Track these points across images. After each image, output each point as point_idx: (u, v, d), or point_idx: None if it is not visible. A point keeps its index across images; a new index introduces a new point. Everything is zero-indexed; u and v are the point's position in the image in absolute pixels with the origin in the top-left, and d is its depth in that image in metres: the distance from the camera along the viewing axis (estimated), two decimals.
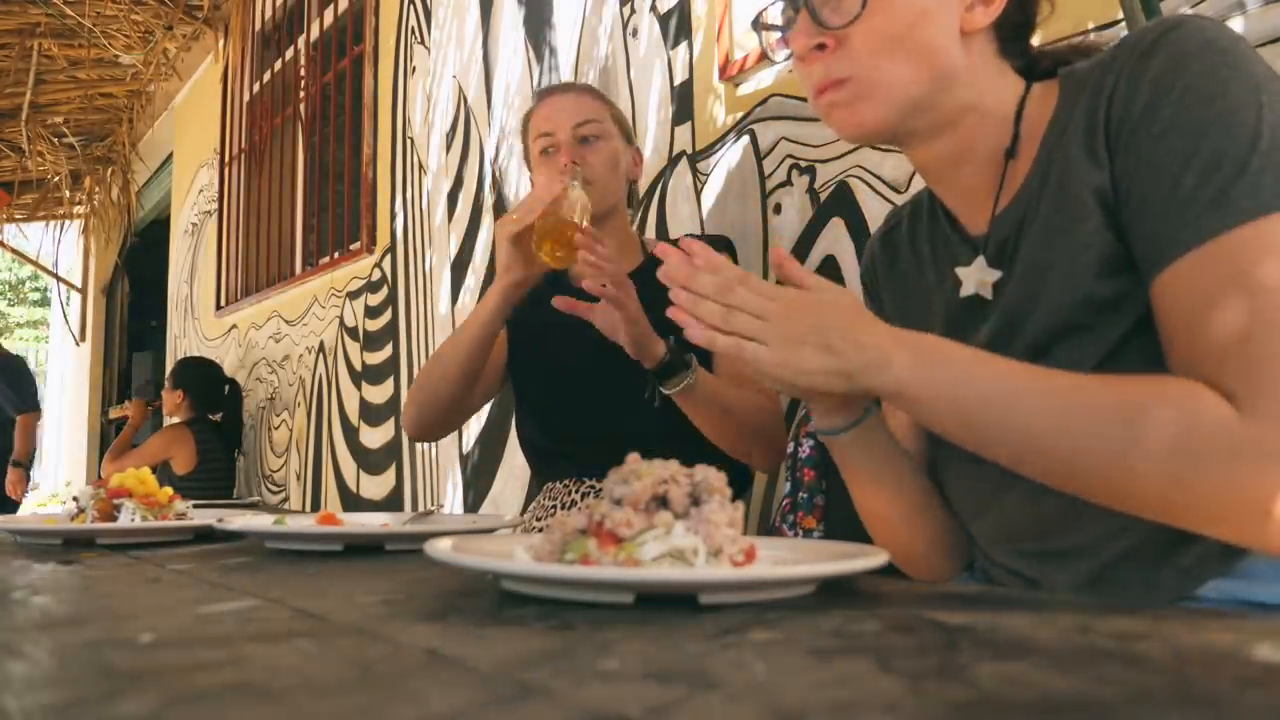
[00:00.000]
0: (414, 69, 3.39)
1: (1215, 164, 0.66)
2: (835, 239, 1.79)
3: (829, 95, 0.80)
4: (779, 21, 0.85)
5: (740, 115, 2.01)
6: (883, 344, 0.70)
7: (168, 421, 4.05)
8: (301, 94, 4.33)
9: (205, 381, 4.08)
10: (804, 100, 1.85)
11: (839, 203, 1.78)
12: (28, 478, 4.67)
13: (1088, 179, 0.73)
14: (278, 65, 4.63)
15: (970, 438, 0.70)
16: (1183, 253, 0.67)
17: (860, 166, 1.74)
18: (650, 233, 2.24)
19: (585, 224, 1.25)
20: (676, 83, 2.20)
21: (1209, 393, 0.64)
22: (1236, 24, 1.21)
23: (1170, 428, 0.63)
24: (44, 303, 16.41)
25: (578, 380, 1.54)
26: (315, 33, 4.21)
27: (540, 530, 1.32)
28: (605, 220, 1.52)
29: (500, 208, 2.85)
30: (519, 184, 2.77)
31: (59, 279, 7.90)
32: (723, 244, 1.62)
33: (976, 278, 0.82)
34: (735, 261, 1.53)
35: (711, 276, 0.73)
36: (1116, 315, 0.72)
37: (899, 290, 0.95)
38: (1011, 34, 0.82)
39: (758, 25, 0.87)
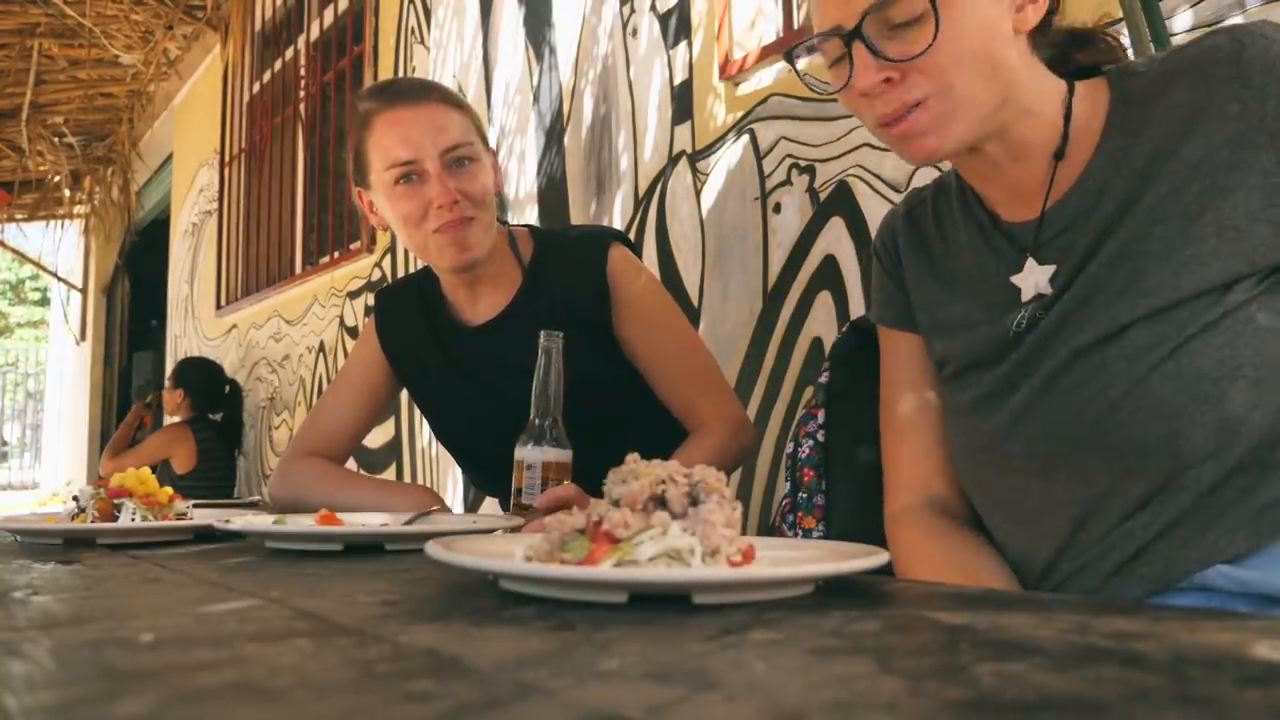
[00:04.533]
0: (414, 69, 3.39)
1: None
2: (835, 238, 1.79)
3: (904, 125, 0.78)
4: (817, 54, 0.84)
5: (740, 114, 2.01)
6: None
7: (168, 421, 4.05)
8: (301, 94, 4.33)
9: (206, 381, 4.08)
10: (804, 100, 1.86)
11: (838, 202, 1.78)
12: None
13: (1219, 178, 0.74)
14: (278, 65, 4.63)
15: None
16: None
17: (860, 166, 1.74)
18: (650, 234, 2.24)
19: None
20: (676, 82, 2.20)
21: None
22: (1235, 22, 1.21)
23: None
24: (44, 302, 16.42)
25: (498, 431, 1.37)
26: (315, 33, 4.21)
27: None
28: (488, 262, 1.33)
29: (500, 207, 2.85)
30: (519, 183, 2.77)
31: (59, 279, 7.90)
32: (612, 236, 1.41)
33: (1033, 280, 0.83)
34: (631, 247, 1.41)
35: None
36: (1209, 310, 0.74)
37: (922, 268, 0.95)
38: (1045, 33, 0.82)
39: (792, 58, 0.86)
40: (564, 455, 1.12)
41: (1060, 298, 0.81)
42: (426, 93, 1.32)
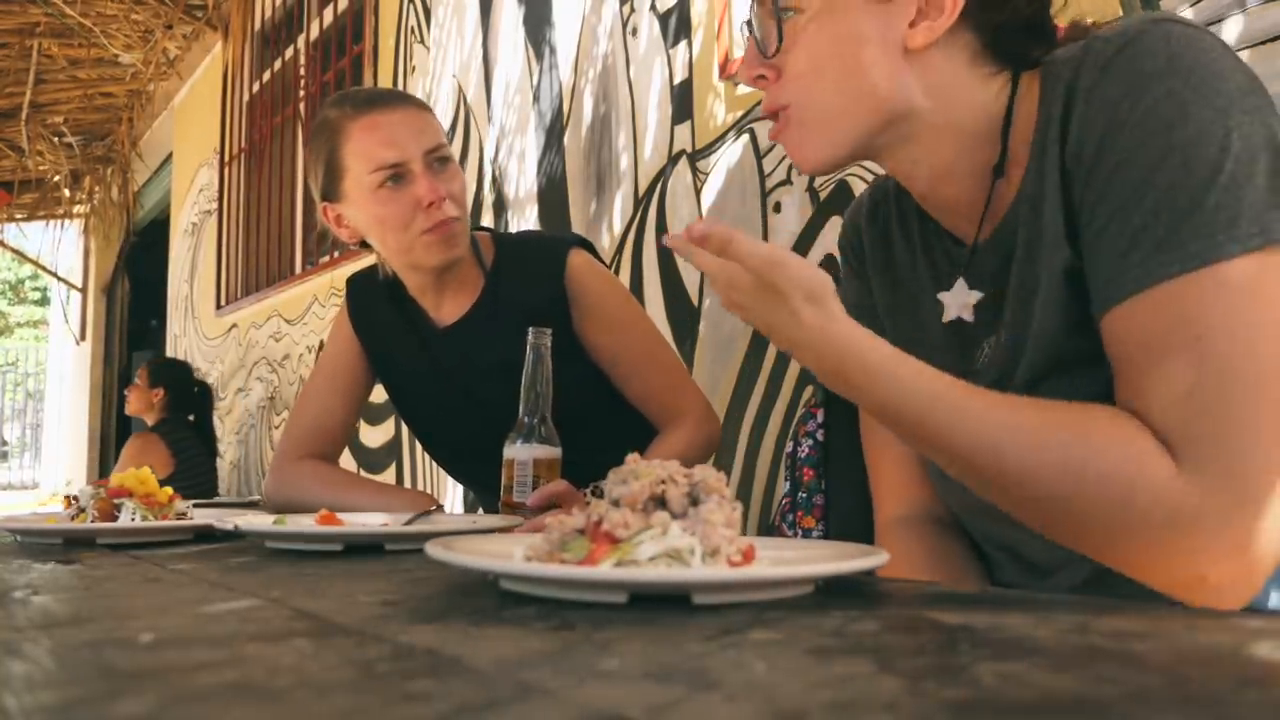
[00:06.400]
0: (414, 68, 3.39)
1: (1167, 201, 0.63)
2: (834, 238, 1.79)
3: (775, 125, 0.79)
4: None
5: (740, 114, 2.01)
6: (808, 349, 0.68)
7: (151, 423, 3.96)
8: (301, 93, 4.33)
9: (182, 382, 4.01)
10: None
11: (838, 201, 1.78)
12: None
13: (1054, 202, 0.70)
14: (278, 65, 4.63)
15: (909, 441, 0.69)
16: (1128, 295, 0.64)
17: (860, 165, 1.74)
18: (650, 234, 2.24)
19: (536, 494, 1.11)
20: (676, 81, 2.20)
21: (1152, 443, 0.62)
22: (1236, 22, 1.21)
23: (1114, 479, 0.62)
24: (44, 302, 16.42)
25: (469, 429, 1.42)
26: (315, 32, 4.21)
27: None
28: (458, 264, 1.36)
29: (499, 206, 2.85)
30: (519, 183, 2.77)
31: (59, 279, 7.90)
32: (572, 242, 1.43)
33: (958, 301, 0.80)
34: (593, 252, 1.44)
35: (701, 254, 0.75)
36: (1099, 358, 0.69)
37: (888, 276, 0.91)
38: (996, 36, 0.74)
39: (745, 35, 0.85)
40: (553, 452, 1.13)
41: (1019, 350, 0.76)
42: (401, 97, 1.34)
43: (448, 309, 1.41)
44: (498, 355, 1.32)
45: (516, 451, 1.12)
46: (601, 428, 1.27)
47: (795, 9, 0.75)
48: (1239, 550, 0.60)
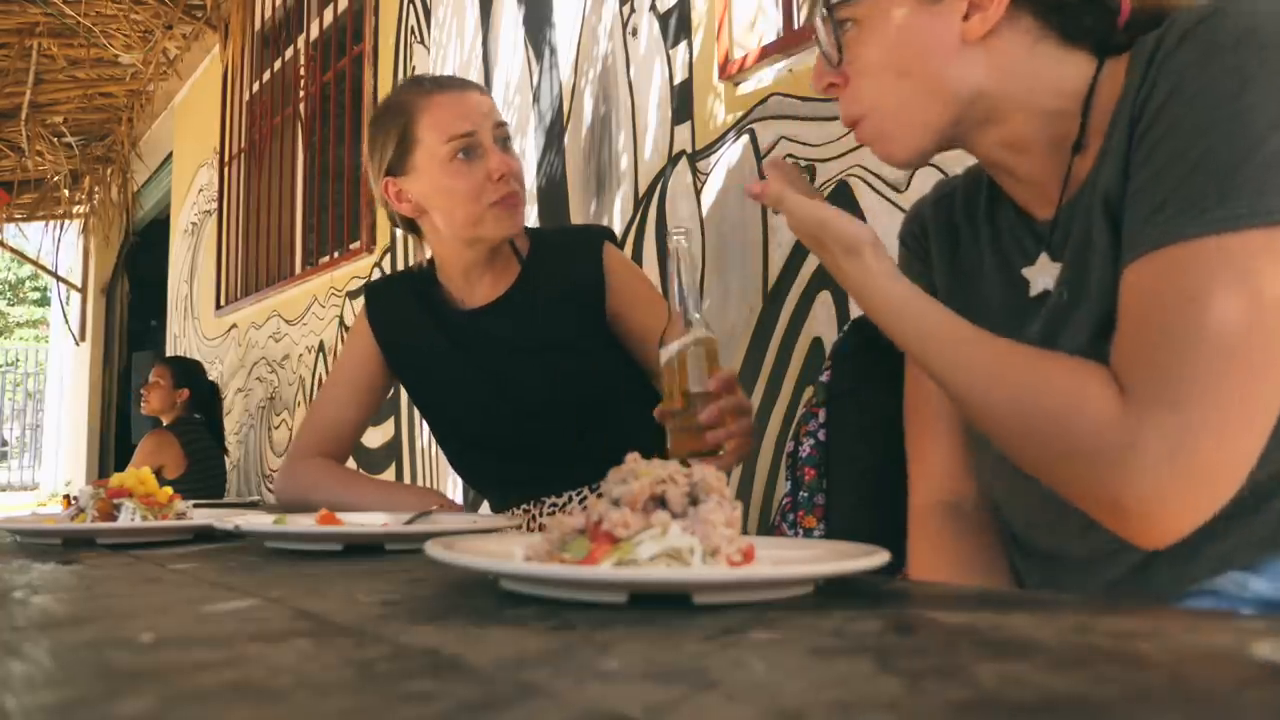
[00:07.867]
0: (413, 68, 3.39)
1: (1202, 168, 0.63)
2: None
3: (856, 134, 0.83)
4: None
5: (740, 114, 2.01)
6: (850, 293, 0.80)
7: (165, 423, 3.98)
8: (301, 93, 4.33)
9: (200, 381, 4.05)
10: (804, 99, 1.86)
11: (839, 202, 1.78)
12: None
13: (1117, 167, 0.72)
14: (277, 65, 4.63)
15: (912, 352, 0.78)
16: (1145, 252, 0.66)
17: (860, 166, 1.74)
18: (650, 234, 2.24)
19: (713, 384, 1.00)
20: (676, 82, 2.20)
21: (1102, 385, 0.66)
22: None
23: (1055, 413, 0.67)
24: (44, 302, 16.43)
25: (496, 414, 1.43)
26: (315, 32, 4.21)
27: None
28: (499, 246, 1.40)
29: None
30: None
31: (59, 279, 7.90)
32: (607, 233, 1.48)
33: (1042, 276, 0.81)
34: (619, 246, 1.48)
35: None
36: None
37: (950, 264, 0.93)
38: (1061, 18, 0.77)
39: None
40: (715, 337, 1.03)
41: (1075, 307, 0.77)
42: (469, 82, 1.43)
43: (481, 292, 1.44)
44: (533, 334, 1.36)
45: (685, 338, 1.00)
46: (629, 416, 1.28)
47: (852, 19, 0.79)
48: (1158, 492, 0.63)
